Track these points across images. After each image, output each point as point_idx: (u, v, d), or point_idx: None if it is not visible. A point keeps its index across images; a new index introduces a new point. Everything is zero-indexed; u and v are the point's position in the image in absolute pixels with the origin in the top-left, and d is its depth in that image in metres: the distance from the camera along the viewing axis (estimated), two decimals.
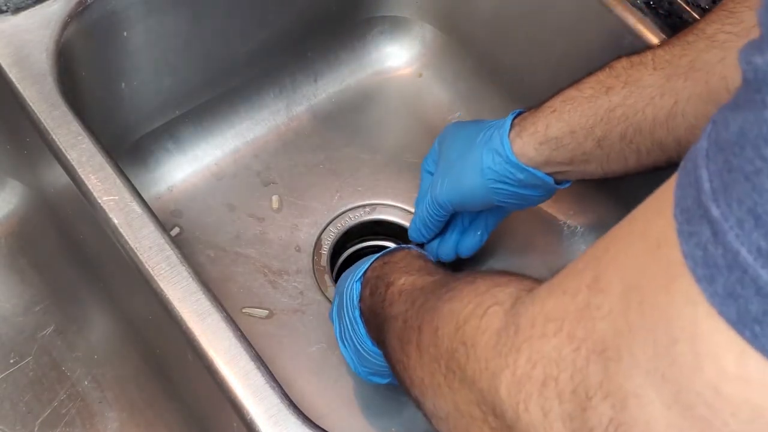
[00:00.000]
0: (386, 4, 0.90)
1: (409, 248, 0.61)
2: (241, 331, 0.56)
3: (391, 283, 0.53)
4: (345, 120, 0.89)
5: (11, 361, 0.73)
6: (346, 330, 0.61)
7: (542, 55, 0.83)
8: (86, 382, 0.73)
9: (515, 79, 0.87)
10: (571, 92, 0.63)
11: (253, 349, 0.55)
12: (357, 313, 0.59)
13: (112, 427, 0.72)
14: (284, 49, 0.86)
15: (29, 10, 0.68)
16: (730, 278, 0.24)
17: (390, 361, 0.50)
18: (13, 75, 0.65)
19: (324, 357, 0.75)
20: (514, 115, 0.66)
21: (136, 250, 0.58)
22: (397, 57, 0.92)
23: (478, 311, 0.39)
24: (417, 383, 0.44)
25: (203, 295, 0.57)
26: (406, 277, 0.53)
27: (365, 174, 0.86)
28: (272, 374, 0.55)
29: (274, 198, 0.83)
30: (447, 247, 0.75)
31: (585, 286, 0.31)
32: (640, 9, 0.74)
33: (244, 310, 0.77)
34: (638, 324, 0.28)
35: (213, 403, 0.62)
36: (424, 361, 0.43)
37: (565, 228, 0.83)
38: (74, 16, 0.68)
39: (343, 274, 0.65)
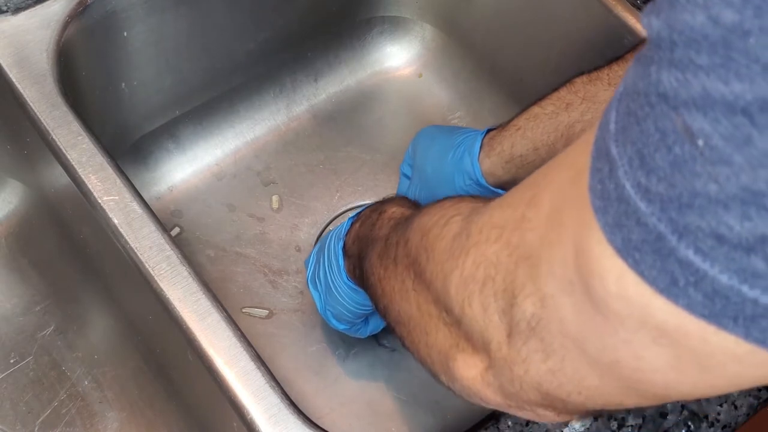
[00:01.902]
0: (386, 4, 0.90)
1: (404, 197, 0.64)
2: (241, 331, 0.56)
3: (384, 211, 0.57)
4: (345, 120, 0.89)
5: (11, 361, 0.74)
6: (321, 267, 0.64)
7: (542, 55, 0.83)
8: (86, 382, 0.73)
9: (515, 79, 0.87)
10: (535, 109, 0.66)
11: (253, 349, 0.56)
12: (341, 244, 0.62)
13: (112, 427, 0.72)
14: (284, 49, 0.86)
15: (29, 10, 0.68)
16: (618, 210, 0.27)
17: (366, 275, 0.54)
18: (13, 75, 0.65)
19: (324, 357, 0.75)
20: (484, 134, 0.68)
21: (136, 250, 0.58)
22: (397, 57, 0.92)
23: (441, 221, 0.43)
24: (388, 291, 0.49)
25: (203, 295, 0.57)
26: (398, 207, 0.57)
27: (365, 174, 0.86)
28: (272, 374, 0.55)
29: (274, 198, 0.83)
30: None
31: (524, 202, 0.35)
32: (639, 9, 0.74)
33: (244, 310, 0.77)
34: (555, 239, 0.32)
35: (213, 403, 0.62)
36: (398, 271, 0.47)
37: None
38: (74, 16, 0.68)
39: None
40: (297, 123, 0.89)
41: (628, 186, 0.27)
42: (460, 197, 0.46)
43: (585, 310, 0.30)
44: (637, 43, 0.64)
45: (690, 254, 0.25)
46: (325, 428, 0.53)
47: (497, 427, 0.55)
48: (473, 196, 0.45)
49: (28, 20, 0.67)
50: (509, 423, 0.55)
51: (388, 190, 0.84)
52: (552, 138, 0.64)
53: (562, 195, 0.32)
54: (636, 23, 0.73)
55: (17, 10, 0.68)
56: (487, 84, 0.89)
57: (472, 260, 0.37)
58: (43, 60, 0.66)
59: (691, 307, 0.26)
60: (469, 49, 0.90)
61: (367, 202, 0.84)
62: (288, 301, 0.78)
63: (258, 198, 0.84)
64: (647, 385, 0.31)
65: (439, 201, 0.47)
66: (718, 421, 0.57)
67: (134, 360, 0.74)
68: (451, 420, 0.72)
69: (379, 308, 0.51)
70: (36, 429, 0.71)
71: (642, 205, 0.26)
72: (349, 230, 0.62)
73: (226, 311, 0.57)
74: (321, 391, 0.73)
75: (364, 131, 0.89)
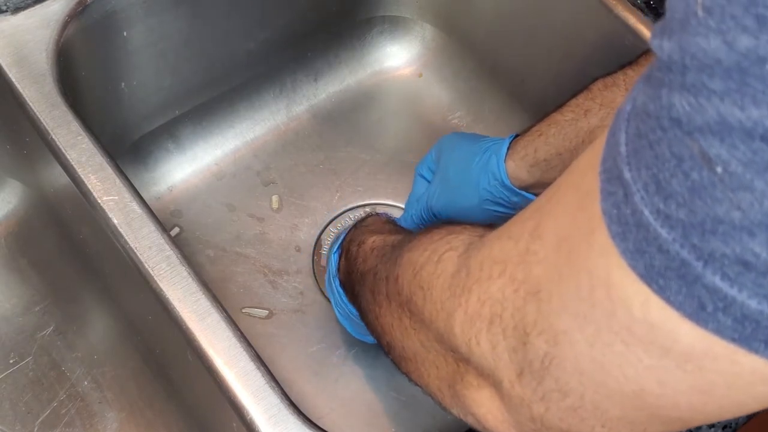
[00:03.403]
0: (386, 4, 0.90)
1: (377, 214, 0.65)
2: (241, 331, 0.56)
3: (363, 242, 0.57)
4: (345, 120, 0.89)
5: (11, 361, 0.73)
6: (335, 301, 0.65)
7: (542, 55, 0.83)
8: (86, 382, 0.73)
9: (515, 79, 0.87)
10: (555, 116, 0.67)
11: (253, 349, 0.55)
12: (337, 282, 0.62)
13: (112, 427, 0.72)
14: (284, 49, 0.86)
15: (29, 10, 0.68)
16: (638, 236, 0.27)
17: (363, 313, 0.54)
18: (13, 75, 0.65)
19: (324, 357, 0.75)
20: (511, 139, 0.69)
21: (136, 250, 0.58)
22: (397, 57, 0.92)
23: (433, 257, 0.42)
24: (387, 329, 0.48)
25: (203, 295, 0.57)
26: (377, 237, 0.56)
27: (365, 174, 0.86)
28: (272, 374, 0.55)
29: (274, 198, 0.83)
30: None
31: (527, 233, 0.34)
32: (640, 9, 0.74)
33: (244, 310, 0.77)
34: (566, 270, 0.31)
35: (213, 403, 0.62)
36: (392, 308, 0.46)
37: None
38: (74, 16, 0.68)
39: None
40: (297, 123, 0.88)
41: (646, 212, 0.26)
42: (448, 229, 0.44)
43: (602, 342, 0.30)
44: (648, 48, 0.64)
45: (717, 280, 0.25)
46: (325, 428, 0.53)
47: None
48: (462, 226, 0.44)
49: (28, 20, 0.67)
50: None
51: (388, 190, 0.84)
52: (574, 143, 0.65)
53: (569, 222, 0.31)
54: (637, 23, 0.73)
55: (17, 9, 0.68)
56: (487, 84, 0.89)
57: (476, 298, 0.36)
58: (42, 60, 0.66)
59: (720, 332, 0.26)
60: (469, 49, 0.89)
61: (367, 202, 0.84)
62: (288, 302, 0.78)
63: (258, 198, 0.83)
64: (672, 410, 0.30)
65: (425, 233, 0.46)
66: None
67: (134, 360, 0.74)
68: (452, 420, 0.72)
69: (382, 344, 0.51)
70: (35, 429, 0.71)
71: (663, 232, 0.26)
72: (338, 266, 0.62)
73: (225, 311, 0.57)
74: (321, 391, 0.73)
75: (364, 131, 0.89)
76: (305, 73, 0.89)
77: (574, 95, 0.67)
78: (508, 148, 0.68)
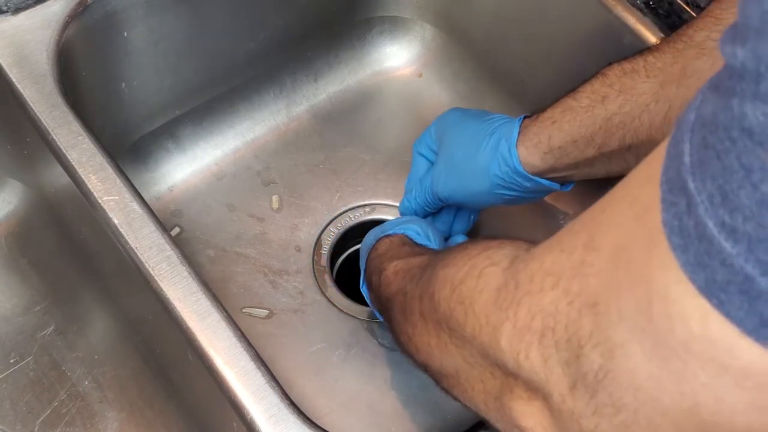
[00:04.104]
0: (386, 4, 0.90)
1: (387, 236, 0.63)
2: (241, 331, 0.56)
3: (383, 270, 0.56)
4: (345, 120, 0.89)
5: (11, 361, 0.74)
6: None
7: (542, 55, 0.83)
8: (86, 382, 0.73)
9: (515, 79, 0.87)
10: (569, 102, 0.64)
11: (253, 349, 0.55)
12: (377, 314, 0.61)
13: (112, 427, 0.72)
14: (284, 49, 0.86)
15: (29, 10, 0.68)
16: (700, 249, 0.26)
17: (395, 335, 0.53)
18: (13, 75, 0.65)
19: (324, 357, 0.75)
20: (520, 121, 0.66)
21: (136, 250, 0.58)
22: (397, 57, 0.92)
23: (473, 272, 0.41)
24: (423, 348, 0.47)
25: (203, 295, 0.57)
26: (397, 261, 0.56)
27: (365, 174, 0.86)
28: (272, 374, 0.55)
29: (274, 198, 0.83)
30: (442, 224, 0.77)
31: (581, 245, 0.33)
32: (640, 9, 0.74)
33: (244, 310, 0.77)
34: (624, 282, 0.30)
35: (213, 403, 0.62)
36: (429, 327, 0.46)
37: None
38: (74, 16, 0.68)
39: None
40: (297, 123, 0.89)
41: (710, 224, 0.26)
42: (484, 244, 0.44)
43: (659, 356, 0.29)
44: (672, 34, 0.63)
45: None
46: (325, 428, 0.53)
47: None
48: (500, 241, 0.43)
49: (28, 20, 0.67)
50: None
51: (388, 190, 0.84)
52: (590, 131, 0.63)
53: (627, 234, 0.31)
54: (636, 23, 0.73)
55: (17, 10, 0.68)
56: (487, 84, 0.89)
57: (525, 311, 0.36)
58: (43, 60, 0.66)
59: None
60: (469, 48, 0.89)
61: (367, 202, 0.84)
62: (288, 301, 0.78)
63: (258, 198, 0.84)
64: (728, 429, 0.29)
65: (460, 249, 0.45)
66: None
67: (134, 360, 0.74)
68: (451, 420, 0.72)
69: (416, 362, 0.50)
70: (36, 429, 0.71)
71: (727, 246, 0.26)
72: (370, 299, 0.62)
73: (226, 311, 0.57)
74: (321, 391, 0.73)
75: (364, 131, 0.89)
76: (305, 73, 0.89)
77: (587, 81, 0.64)
78: (520, 133, 0.66)
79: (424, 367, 0.49)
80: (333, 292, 0.78)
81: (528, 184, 0.66)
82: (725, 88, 0.26)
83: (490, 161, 0.67)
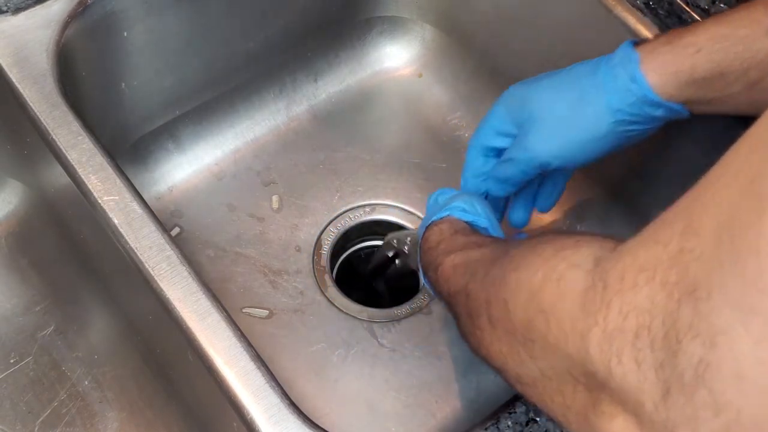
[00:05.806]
0: (386, 4, 0.90)
1: (435, 223, 0.59)
2: (241, 331, 0.56)
3: (440, 264, 0.53)
4: (345, 120, 0.89)
5: (11, 361, 0.74)
6: None
7: (542, 55, 0.83)
8: (86, 382, 0.73)
9: (515, 80, 0.86)
10: (722, 30, 0.57)
11: (253, 349, 0.56)
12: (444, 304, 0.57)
13: (112, 427, 0.72)
14: (284, 49, 0.86)
15: (29, 10, 0.68)
16: None
17: (464, 335, 0.50)
18: (13, 75, 0.65)
19: (324, 357, 0.75)
20: (631, 47, 0.61)
21: (136, 250, 0.58)
22: (397, 57, 0.92)
23: (551, 276, 0.38)
24: (495, 355, 0.45)
25: (203, 295, 0.57)
26: (454, 255, 0.53)
27: (365, 174, 0.86)
28: (272, 374, 0.55)
29: (274, 198, 0.83)
30: (520, 208, 0.72)
31: (678, 233, 0.31)
32: (640, 9, 0.74)
33: (244, 310, 0.77)
34: (728, 260, 0.28)
35: (213, 403, 0.62)
36: (499, 334, 0.43)
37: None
38: (74, 16, 0.68)
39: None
40: (297, 123, 0.89)
41: None
42: (556, 244, 0.41)
43: None
44: None
45: None
46: (325, 428, 0.53)
47: (497, 427, 0.55)
48: (574, 240, 0.40)
49: (28, 20, 0.67)
50: (509, 423, 0.55)
51: (388, 190, 0.84)
52: (746, 65, 0.56)
53: (731, 208, 0.29)
54: (636, 23, 0.73)
55: (17, 10, 0.68)
56: (487, 84, 0.88)
57: (616, 311, 0.33)
58: (43, 60, 0.66)
59: None
60: (469, 49, 0.89)
61: (368, 202, 0.84)
62: (288, 301, 0.78)
63: (258, 198, 0.84)
64: None
65: (528, 249, 0.42)
66: None
67: (134, 360, 0.74)
68: (451, 420, 0.72)
69: (491, 366, 0.47)
70: (36, 429, 0.71)
71: None
72: (435, 291, 0.57)
73: (226, 311, 0.57)
74: (321, 391, 0.73)
75: (364, 131, 0.89)
76: (305, 73, 0.89)
77: (737, 8, 0.58)
78: (645, 58, 0.59)
79: (500, 372, 0.46)
80: (333, 292, 0.78)
81: (658, 113, 0.60)
82: None
83: (608, 97, 0.60)
